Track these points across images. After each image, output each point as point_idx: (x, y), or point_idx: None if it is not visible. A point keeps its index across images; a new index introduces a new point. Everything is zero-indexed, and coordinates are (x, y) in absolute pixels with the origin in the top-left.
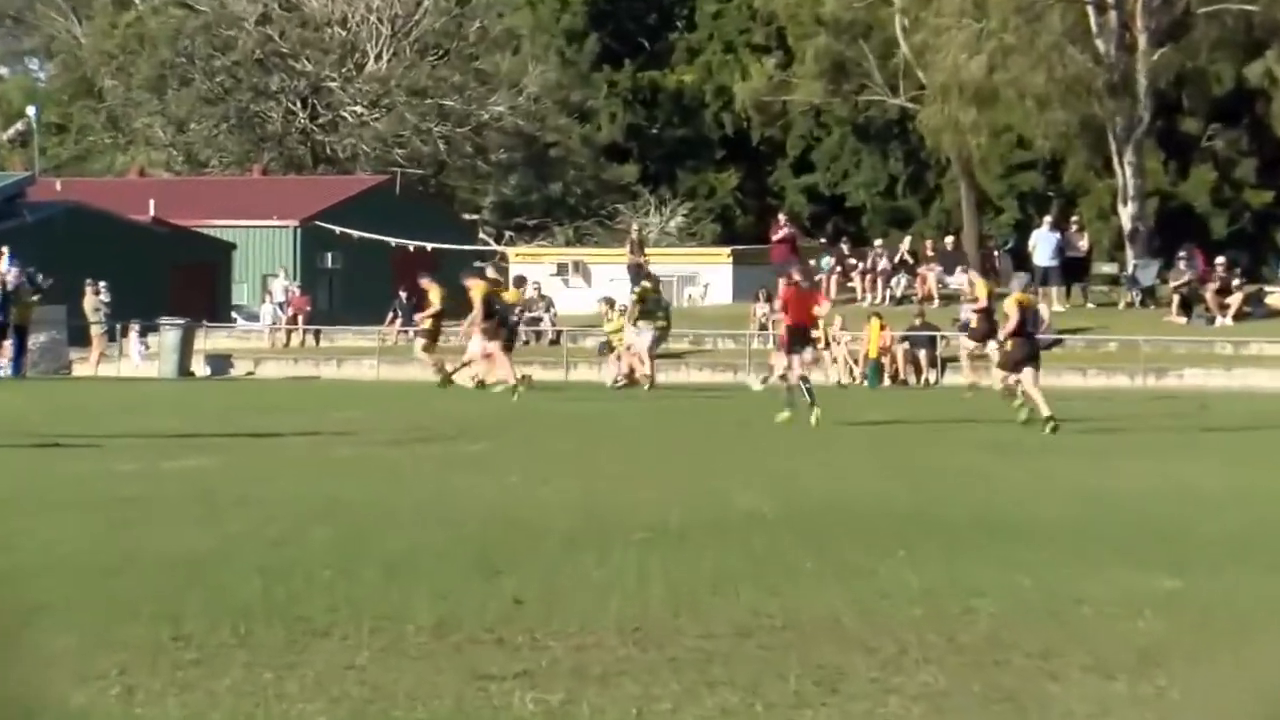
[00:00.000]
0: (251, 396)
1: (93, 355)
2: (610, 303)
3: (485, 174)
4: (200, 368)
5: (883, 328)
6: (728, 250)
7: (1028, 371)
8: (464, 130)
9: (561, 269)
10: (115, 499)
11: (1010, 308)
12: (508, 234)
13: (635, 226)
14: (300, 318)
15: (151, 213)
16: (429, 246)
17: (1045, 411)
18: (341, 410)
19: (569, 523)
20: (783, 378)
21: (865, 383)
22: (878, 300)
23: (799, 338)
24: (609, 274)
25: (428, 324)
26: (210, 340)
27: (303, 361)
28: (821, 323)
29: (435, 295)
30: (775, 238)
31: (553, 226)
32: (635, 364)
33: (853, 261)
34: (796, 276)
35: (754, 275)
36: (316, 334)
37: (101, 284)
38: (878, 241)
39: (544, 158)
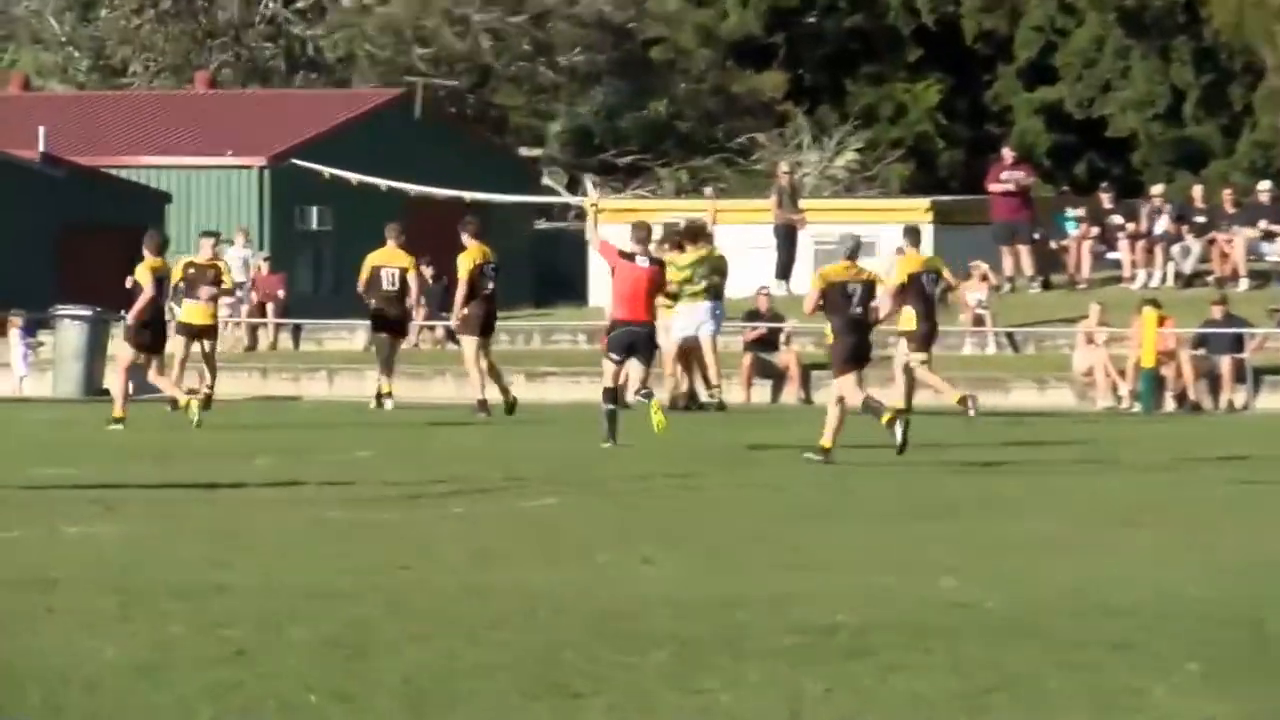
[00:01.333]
0: (197, 428)
1: None
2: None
3: (553, 87)
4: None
5: (1163, 322)
6: (926, 202)
7: (848, 379)
8: (520, 20)
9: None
10: None
11: (815, 282)
12: (587, 178)
13: (784, 167)
14: (270, 306)
15: (41, 146)
16: (467, 197)
17: (826, 439)
18: (335, 449)
19: (681, 622)
20: (614, 399)
21: (1137, 404)
22: (1155, 281)
23: (629, 341)
24: (745, 238)
25: (139, 320)
26: None
27: (275, 374)
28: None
29: (144, 273)
30: (997, 186)
31: (656, 167)
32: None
33: (1116, 220)
34: (628, 247)
35: (966, 240)
36: (295, 331)
37: None
38: (1155, 190)
39: (642, 62)
